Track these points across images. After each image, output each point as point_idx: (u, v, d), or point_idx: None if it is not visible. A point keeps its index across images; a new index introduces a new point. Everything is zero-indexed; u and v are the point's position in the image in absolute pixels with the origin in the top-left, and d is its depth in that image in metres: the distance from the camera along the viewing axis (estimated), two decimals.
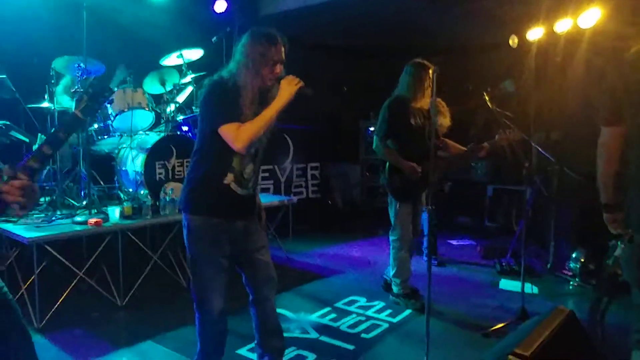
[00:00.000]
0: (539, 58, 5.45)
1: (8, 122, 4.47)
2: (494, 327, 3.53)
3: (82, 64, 4.58)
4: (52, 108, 4.63)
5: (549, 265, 5.03)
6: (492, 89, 4.09)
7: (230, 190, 2.40)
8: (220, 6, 6.27)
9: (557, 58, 5.43)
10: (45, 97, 4.73)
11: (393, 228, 4.00)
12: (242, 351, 3.21)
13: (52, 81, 4.71)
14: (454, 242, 6.27)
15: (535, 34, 5.39)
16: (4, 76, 4.21)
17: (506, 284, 4.62)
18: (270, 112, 2.31)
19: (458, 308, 4.01)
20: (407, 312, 3.93)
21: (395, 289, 4.08)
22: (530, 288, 4.21)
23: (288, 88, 2.35)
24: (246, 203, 2.52)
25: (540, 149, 4.67)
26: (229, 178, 2.39)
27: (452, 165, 4.34)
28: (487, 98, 3.96)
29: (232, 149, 2.29)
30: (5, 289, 1.67)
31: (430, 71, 3.32)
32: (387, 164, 3.92)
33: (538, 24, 5.30)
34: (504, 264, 5.03)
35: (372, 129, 7.34)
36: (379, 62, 7.17)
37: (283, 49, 2.42)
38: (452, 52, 6.56)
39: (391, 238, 4.03)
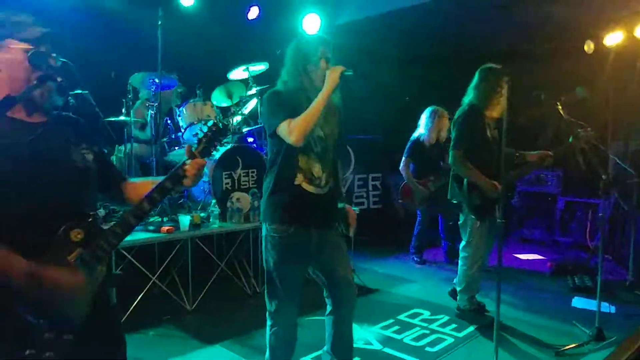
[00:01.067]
0: (617, 63, 5.19)
1: None
2: (567, 347, 3.37)
3: (156, 79, 4.84)
4: (129, 121, 4.90)
5: (627, 283, 4.75)
6: (565, 96, 3.92)
7: (303, 191, 2.44)
8: (253, 13, 6.38)
9: (638, 63, 5.16)
10: (123, 110, 5.02)
11: (467, 244, 3.87)
12: (307, 359, 3.24)
13: (129, 96, 4.99)
14: (522, 256, 6.06)
15: (613, 38, 5.15)
16: (87, 92, 4.46)
17: (580, 301, 4.40)
18: (318, 101, 2.36)
19: (527, 325, 3.86)
20: (473, 327, 3.83)
21: (461, 304, 3.99)
22: (607, 307, 3.99)
23: (332, 76, 2.38)
24: (322, 206, 2.53)
25: (617, 160, 4.44)
26: (299, 178, 2.44)
27: (523, 176, 4.17)
28: (559, 107, 3.79)
29: (294, 148, 2.37)
30: (113, 295, 1.80)
31: (505, 79, 3.21)
32: (465, 180, 3.75)
33: (617, 28, 5.07)
34: (577, 280, 4.79)
35: None
36: (441, 71, 7.07)
37: (327, 47, 2.50)
38: (521, 58, 6.38)
39: (462, 254, 3.91)
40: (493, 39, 6.19)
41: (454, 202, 3.91)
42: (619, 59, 5.27)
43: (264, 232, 2.53)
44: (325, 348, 2.74)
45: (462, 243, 3.91)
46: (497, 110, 3.73)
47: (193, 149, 1.74)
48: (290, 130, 2.33)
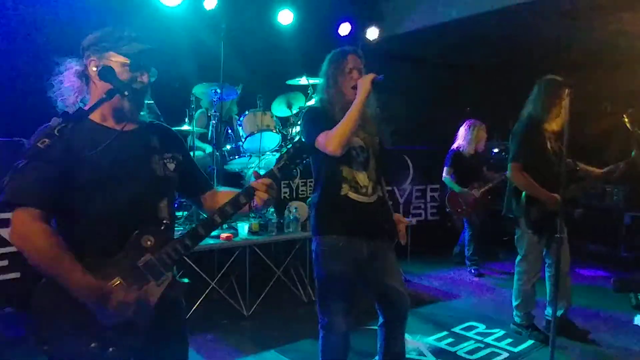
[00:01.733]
0: None
1: None
2: None
3: (218, 90, 5.04)
4: (192, 130, 5.13)
5: None
6: (633, 109, 3.76)
7: (350, 200, 2.47)
8: (345, 29, 6.56)
9: None
10: (186, 120, 5.25)
11: (522, 259, 3.79)
12: None
13: (192, 106, 5.21)
14: (584, 272, 5.83)
15: None
16: (152, 102, 4.68)
17: None
18: (352, 111, 2.38)
19: (587, 343, 3.74)
20: (529, 342, 3.75)
21: (517, 319, 3.91)
22: None
23: (363, 83, 2.41)
24: (372, 215, 2.54)
25: None
26: (345, 188, 2.47)
27: (586, 189, 4.00)
28: (626, 120, 3.65)
29: (336, 159, 2.40)
30: (181, 299, 1.89)
31: (566, 91, 3.14)
32: (523, 193, 3.66)
33: None
34: None
35: (495, 150, 7.08)
36: (504, 80, 6.94)
37: (357, 58, 2.54)
38: (585, 67, 6.16)
39: (518, 269, 3.84)
40: (559, 49, 6.02)
41: (510, 216, 3.84)
42: None
43: (314, 245, 2.57)
44: (376, 358, 2.77)
45: (518, 258, 3.84)
46: (557, 122, 3.63)
47: (261, 172, 1.77)
48: (328, 142, 2.36)
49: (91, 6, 4.80)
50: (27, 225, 1.53)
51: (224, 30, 5.07)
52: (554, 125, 3.66)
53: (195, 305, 4.02)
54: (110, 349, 1.58)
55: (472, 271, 5.72)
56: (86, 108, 1.57)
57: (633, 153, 3.60)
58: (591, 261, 6.13)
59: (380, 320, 2.69)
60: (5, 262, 3.85)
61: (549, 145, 3.65)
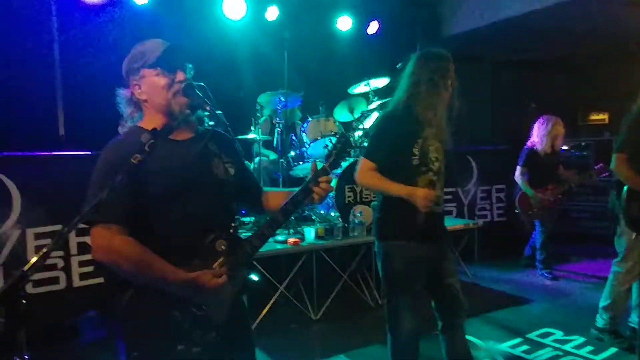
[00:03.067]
0: None
1: None
2: None
3: (282, 98, 5.14)
4: (257, 138, 5.26)
5: None
6: None
7: (417, 209, 2.44)
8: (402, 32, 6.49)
9: None
10: (252, 128, 5.38)
11: (622, 259, 3.57)
12: None
13: (258, 114, 5.34)
14: None
15: None
16: (220, 112, 4.81)
17: None
18: (388, 189, 2.46)
19: None
20: (612, 350, 3.55)
21: (600, 322, 3.70)
22: None
23: (418, 198, 2.35)
24: (435, 223, 2.56)
25: None
26: None
27: None
28: None
29: (413, 168, 2.44)
30: (245, 300, 1.95)
31: None
32: (625, 187, 3.42)
33: None
34: None
35: (564, 147, 6.79)
36: (569, 75, 6.64)
37: (452, 65, 2.52)
38: None
39: (615, 268, 3.62)
40: (631, 40, 5.69)
41: (615, 212, 3.63)
42: None
43: (382, 249, 2.57)
44: None
45: (617, 258, 3.62)
46: None
47: (318, 166, 1.80)
48: (360, 172, 2.49)
49: (159, 22, 5.03)
50: (109, 240, 1.58)
51: (287, 40, 5.18)
52: None
53: (265, 310, 4.11)
54: (195, 349, 1.64)
55: (545, 275, 5.49)
56: (139, 124, 1.71)
57: None
58: None
59: (440, 324, 2.68)
60: (90, 268, 4.11)
61: None
